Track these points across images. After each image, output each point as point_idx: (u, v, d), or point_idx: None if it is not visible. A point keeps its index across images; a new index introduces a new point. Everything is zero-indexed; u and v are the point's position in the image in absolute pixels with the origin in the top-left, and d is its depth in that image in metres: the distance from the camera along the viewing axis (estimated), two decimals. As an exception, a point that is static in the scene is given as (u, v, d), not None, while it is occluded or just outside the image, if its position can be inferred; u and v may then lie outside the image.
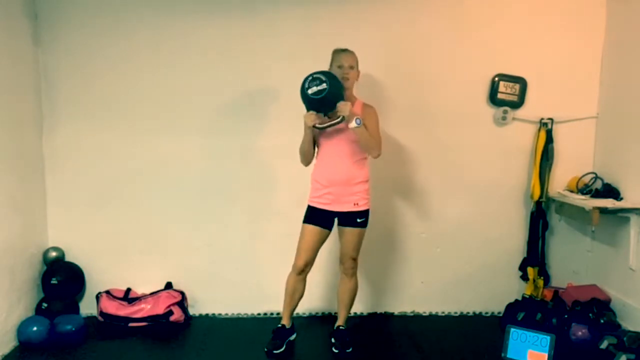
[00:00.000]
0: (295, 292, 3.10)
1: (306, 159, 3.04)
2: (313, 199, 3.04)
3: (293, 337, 3.17)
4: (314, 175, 3.06)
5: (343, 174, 2.94)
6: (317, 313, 3.67)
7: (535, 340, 2.90)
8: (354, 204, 2.96)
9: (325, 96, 2.75)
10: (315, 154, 3.05)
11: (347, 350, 3.05)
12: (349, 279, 3.13)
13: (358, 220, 2.99)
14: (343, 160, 2.93)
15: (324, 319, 3.57)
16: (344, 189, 2.94)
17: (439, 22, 3.52)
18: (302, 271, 3.05)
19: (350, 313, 3.25)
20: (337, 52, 3.01)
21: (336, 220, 3.05)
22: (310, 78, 2.79)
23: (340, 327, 3.18)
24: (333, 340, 3.12)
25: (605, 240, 3.47)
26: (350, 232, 3.03)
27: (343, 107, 2.78)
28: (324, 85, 2.74)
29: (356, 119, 2.76)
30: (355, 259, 3.09)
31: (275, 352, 3.01)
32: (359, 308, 3.70)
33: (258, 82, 3.52)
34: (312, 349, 3.18)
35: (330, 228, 3.07)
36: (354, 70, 2.96)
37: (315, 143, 3.00)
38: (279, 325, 3.12)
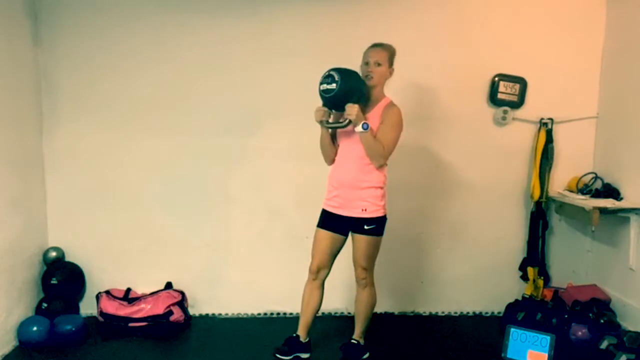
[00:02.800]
0: (310, 300, 2.94)
1: (325, 157, 2.91)
2: (325, 200, 2.91)
3: (305, 356, 2.99)
4: (329, 175, 2.92)
5: (351, 177, 2.77)
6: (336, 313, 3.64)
7: (535, 340, 2.90)
8: (362, 210, 2.76)
9: (334, 96, 2.63)
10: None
11: None
12: (362, 289, 2.91)
13: (366, 227, 2.78)
14: (353, 162, 2.76)
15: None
16: (351, 192, 2.77)
17: (439, 22, 3.52)
18: (316, 277, 2.93)
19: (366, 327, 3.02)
20: (368, 48, 2.82)
21: None
22: (327, 74, 2.66)
23: (352, 341, 3.02)
24: (342, 353, 3.03)
25: (605, 240, 3.47)
26: (358, 239, 2.83)
27: (350, 110, 2.63)
28: (334, 85, 2.61)
29: (363, 124, 2.62)
30: (366, 269, 2.85)
31: (278, 356, 2.94)
32: (359, 308, 3.71)
33: (259, 82, 3.52)
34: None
35: (344, 234, 2.90)
36: (382, 67, 2.75)
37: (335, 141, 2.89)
38: (294, 335, 2.99)
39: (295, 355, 2.97)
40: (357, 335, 3.03)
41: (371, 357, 3.10)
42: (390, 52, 2.80)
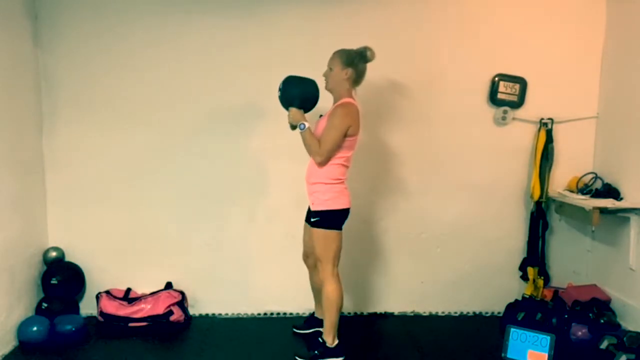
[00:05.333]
0: (312, 281, 3.26)
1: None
2: None
3: (322, 329, 3.01)
4: None
5: (307, 173, 2.98)
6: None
7: (535, 340, 2.90)
8: (312, 203, 2.94)
9: (280, 101, 2.96)
10: None
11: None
12: (320, 279, 2.98)
13: (312, 219, 2.93)
14: (309, 160, 2.96)
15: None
16: (307, 187, 2.98)
17: (439, 22, 3.52)
18: (307, 263, 3.24)
19: (334, 324, 2.95)
20: None
21: None
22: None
23: (319, 338, 3.01)
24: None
25: (605, 240, 3.47)
26: (308, 229, 3.05)
27: (289, 115, 2.93)
28: (279, 93, 2.95)
29: (300, 124, 2.87)
30: (319, 260, 2.94)
31: (296, 330, 3.32)
32: (359, 308, 3.71)
33: (259, 83, 3.52)
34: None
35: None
36: (333, 71, 2.92)
37: None
38: (312, 314, 3.22)
39: (314, 329, 3.18)
40: (324, 332, 2.99)
41: (371, 357, 3.10)
42: (340, 55, 2.94)
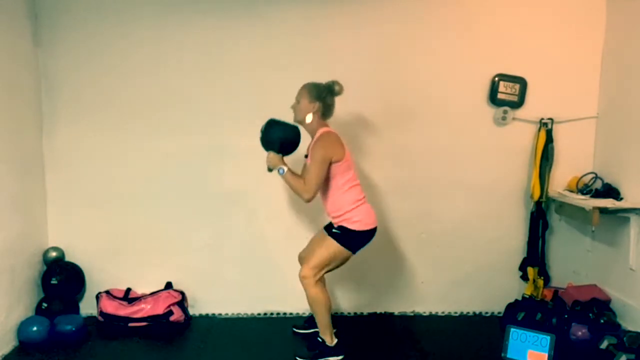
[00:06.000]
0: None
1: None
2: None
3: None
4: None
5: (327, 208, 3.02)
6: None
7: (535, 340, 2.90)
8: (337, 224, 2.99)
9: (261, 143, 2.99)
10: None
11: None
12: (300, 277, 2.95)
13: (333, 230, 2.98)
14: (322, 193, 3.01)
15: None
16: (332, 219, 3.04)
17: (439, 22, 3.52)
18: (301, 263, 3.15)
19: (327, 324, 2.98)
20: None
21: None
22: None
23: (318, 338, 3.03)
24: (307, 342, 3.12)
25: (605, 240, 3.47)
26: (322, 234, 3.07)
27: (267, 158, 2.97)
28: (260, 134, 2.98)
29: (279, 169, 2.92)
30: (312, 265, 2.90)
31: (296, 330, 3.31)
32: (359, 308, 3.71)
33: (260, 83, 3.52)
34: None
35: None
36: (300, 104, 2.96)
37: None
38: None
39: (314, 330, 3.06)
40: (320, 332, 3.01)
41: (371, 357, 3.10)
42: (308, 88, 2.96)
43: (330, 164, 2.87)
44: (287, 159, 2.99)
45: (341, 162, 2.89)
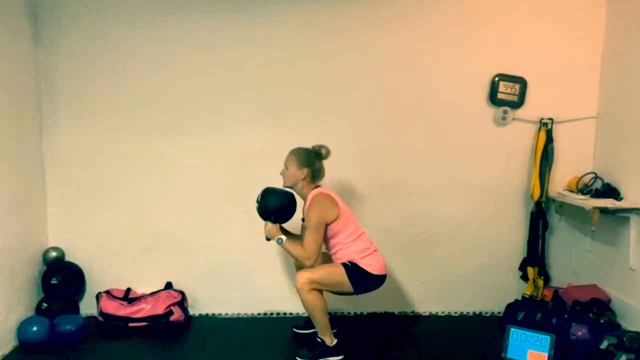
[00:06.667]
0: None
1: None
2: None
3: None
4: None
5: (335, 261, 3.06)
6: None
7: (535, 340, 2.90)
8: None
9: (258, 213, 3.04)
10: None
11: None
12: (296, 281, 2.94)
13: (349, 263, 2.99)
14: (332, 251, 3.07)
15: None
16: None
17: (439, 22, 3.52)
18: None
19: (325, 325, 2.98)
20: None
21: None
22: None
23: (317, 338, 3.01)
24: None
25: (605, 240, 3.46)
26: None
27: (265, 229, 3.02)
28: (256, 205, 3.04)
29: (277, 239, 2.95)
30: (308, 276, 2.88)
31: (295, 330, 3.32)
32: (359, 308, 3.71)
33: (259, 83, 3.52)
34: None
35: None
36: (289, 170, 3.01)
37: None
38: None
39: (314, 330, 3.05)
40: (319, 333, 3.01)
41: (371, 357, 3.10)
42: (296, 154, 3.02)
43: (327, 225, 2.92)
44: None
45: (337, 220, 2.93)
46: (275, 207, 3.01)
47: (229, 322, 3.60)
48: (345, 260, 2.97)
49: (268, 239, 3.04)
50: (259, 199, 3.04)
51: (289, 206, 3.05)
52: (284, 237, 2.96)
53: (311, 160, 3.00)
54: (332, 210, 2.93)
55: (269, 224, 3.01)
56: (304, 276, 2.87)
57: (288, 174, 3.03)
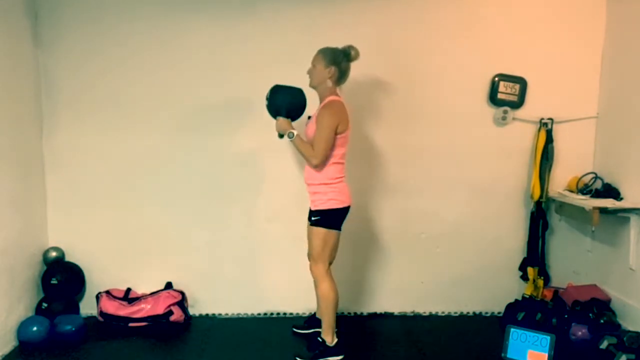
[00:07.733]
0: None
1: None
2: None
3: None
4: None
5: (305, 175, 3.03)
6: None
7: (535, 340, 2.90)
8: (312, 202, 2.97)
9: (268, 110, 2.99)
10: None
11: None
12: (313, 278, 3.02)
13: (312, 218, 2.97)
14: (305, 163, 3.01)
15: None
16: (307, 189, 3.02)
17: (439, 22, 3.52)
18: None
19: (332, 322, 2.99)
20: None
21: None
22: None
23: (318, 338, 3.02)
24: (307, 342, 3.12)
25: (605, 240, 3.46)
26: (309, 228, 3.04)
27: (276, 124, 2.96)
28: (266, 102, 2.98)
29: (289, 133, 2.91)
30: (315, 260, 2.96)
31: (295, 330, 3.30)
32: (359, 308, 3.71)
33: (259, 83, 3.51)
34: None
35: None
36: (315, 69, 2.95)
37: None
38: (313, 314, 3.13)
39: (314, 330, 3.10)
40: (322, 331, 3.01)
41: (371, 357, 3.10)
42: (324, 53, 2.96)
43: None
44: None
45: (342, 134, 2.90)
46: (286, 102, 2.95)
47: (229, 322, 3.60)
48: (312, 180, 2.95)
49: (281, 136, 2.98)
50: (268, 96, 2.97)
51: (300, 102, 2.99)
52: (295, 132, 2.90)
53: (338, 59, 2.93)
54: (344, 122, 2.90)
55: (280, 119, 2.94)
56: (311, 266, 2.97)
57: (315, 73, 2.96)
